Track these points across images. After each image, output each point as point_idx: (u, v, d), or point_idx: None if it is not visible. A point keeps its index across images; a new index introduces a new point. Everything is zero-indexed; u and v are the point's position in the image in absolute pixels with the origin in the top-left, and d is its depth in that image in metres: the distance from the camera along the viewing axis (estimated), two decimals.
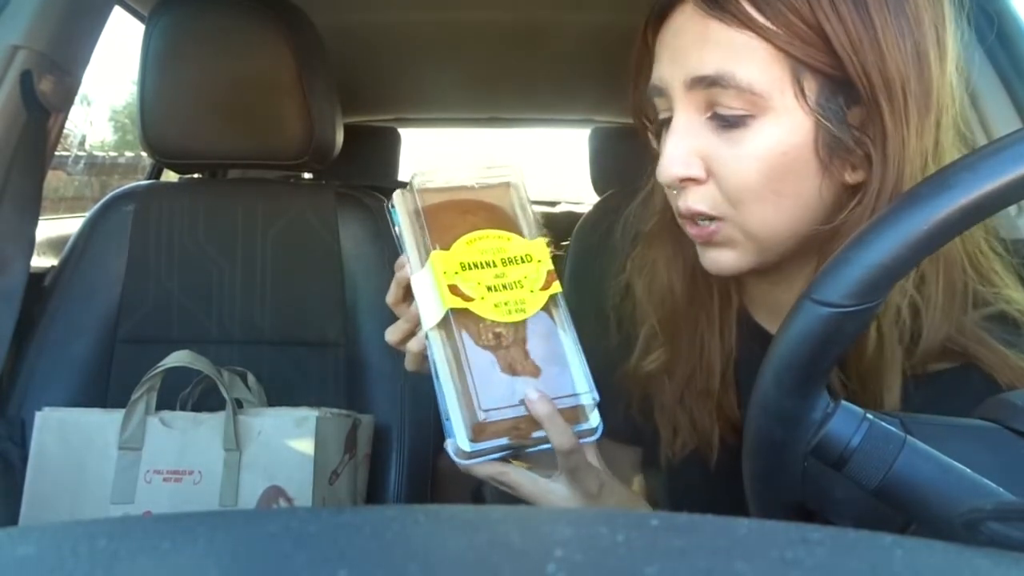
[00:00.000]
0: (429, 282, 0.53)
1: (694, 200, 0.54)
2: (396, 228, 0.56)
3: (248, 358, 1.09)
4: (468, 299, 0.51)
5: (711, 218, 0.55)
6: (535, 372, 0.52)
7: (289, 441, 0.94)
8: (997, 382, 0.51)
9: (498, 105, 2.25)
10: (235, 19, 1.11)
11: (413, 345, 0.56)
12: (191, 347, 1.00)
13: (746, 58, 0.50)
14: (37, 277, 1.11)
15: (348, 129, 1.30)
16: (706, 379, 0.63)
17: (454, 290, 0.51)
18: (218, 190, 1.28)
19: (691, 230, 0.57)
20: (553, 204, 2.79)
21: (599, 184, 2.25)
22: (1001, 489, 0.35)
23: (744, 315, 0.65)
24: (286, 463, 0.94)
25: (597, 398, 0.54)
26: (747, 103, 0.51)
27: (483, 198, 0.57)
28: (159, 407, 0.97)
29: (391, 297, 0.58)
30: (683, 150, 0.53)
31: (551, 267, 0.55)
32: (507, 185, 0.57)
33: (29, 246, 1.03)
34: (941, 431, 0.40)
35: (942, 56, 0.51)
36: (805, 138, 0.51)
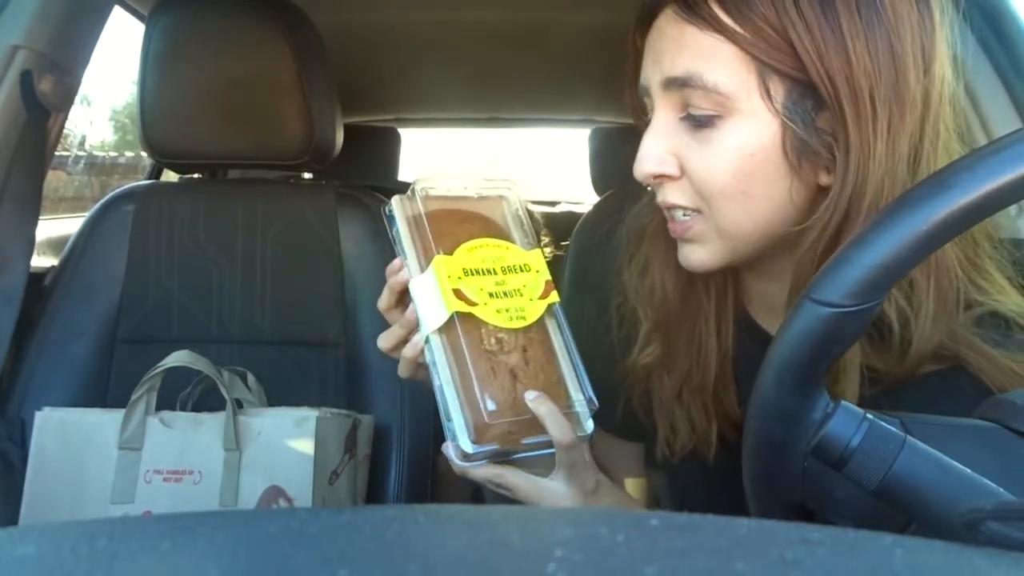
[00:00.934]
0: (432, 285, 0.53)
1: (670, 194, 0.57)
2: (394, 231, 0.56)
3: (248, 358, 1.09)
4: (472, 304, 0.52)
5: (689, 212, 0.57)
6: (535, 378, 0.53)
7: (289, 441, 0.94)
8: (985, 383, 0.51)
9: (498, 105, 2.25)
10: (235, 19, 1.11)
11: (408, 351, 0.56)
12: (191, 347, 1.00)
13: (714, 60, 0.52)
14: (37, 277, 1.11)
15: (348, 129, 1.30)
16: (702, 375, 0.63)
17: (458, 294, 0.52)
18: (218, 190, 1.28)
19: (670, 225, 0.59)
20: (553, 204, 2.79)
21: (599, 184, 2.25)
22: (1001, 489, 0.35)
23: (741, 312, 0.65)
24: (286, 463, 0.94)
25: (596, 404, 0.55)
26: (715, 104, 0.52)
27: (479, 210, 0.58)
28: (159, 407, 0.97)
29: (384, 303, 0.58)
30: (658, 148, 0.56)
31: (548, 277, 0.56)
32: (501, 199, 0.59)
33: (29, 246, 1.03)
34: (941, 431, 0.40)
35: (927, 62, 0.51)
36: (772, 140, 0.52)
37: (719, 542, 0.25)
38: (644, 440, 0.71)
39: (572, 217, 1.79)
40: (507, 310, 0.53)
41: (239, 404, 0.99)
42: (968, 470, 0.36)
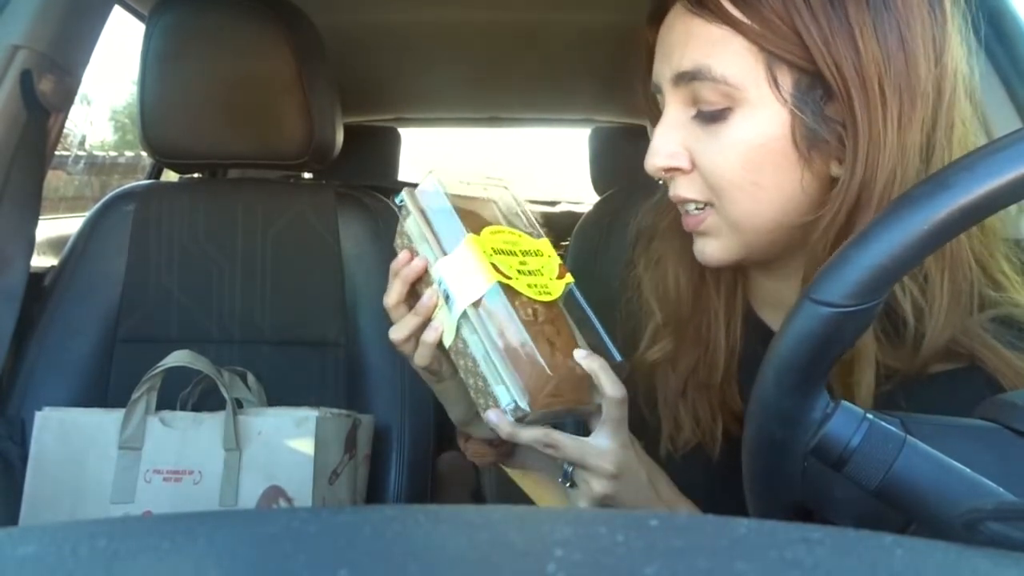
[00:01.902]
0: (468, 261, 0.54)
1: (682, 188, 0.57)
2: (408, 220, 0.57)
3: (248, 358, 1.09)
4: (508, 277, 0.54)
5: (700, 205, 0.57)
6: (570, 343, 0.56)
7: (289, 441, 0.94)
8: (1001, 384, 0.51)
9: (498, 105, 2.25)
10: (235, 19, 1.11)
11: (428, 335, 0.56)
12: (191, 347, 1.00)
13: (723, 52, 0.52)
14: (37, 277, 1.11)
15: (348, 129, 1.30)
16: (708, 372, 0.64)
17: (496, 268, 0.54)
18: (218, 190, 1.28)
19: (684, 219, 0.59)
20: (553, 204, 2.79)
21: (599, 184, 2.25)
22: (1001, 489, 0.35)
23: (748, 311, 0.66)
24: (286, 463, 0.94)
25: (626, 367, 0.58)
26: (724, 96, 0.53)
27: (482, 204, 0.60)
28: (159, 407, 0.97)
29: (394, 297, 0.58)
30: (668, 142, 0.56)
31: (560, 261, 0.59)
32: (492, 201, 0.61)
33: (29, 246, 1.03)
34: (941, 431, 0.40)
35: (938, 52, 0.52)
36: (782, 130, 0.52)
37: (719, 542, 0.25)
38: (645, 436, 0.71)
39: (572, 217, 1.78)
40: (535, 285, 0.56)
41: (239, 404, 0.99)
42: (968, 470, 0.36)
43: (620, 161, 2.08)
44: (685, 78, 0.54)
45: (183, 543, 0.24)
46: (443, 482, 1.16)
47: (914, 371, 0.53)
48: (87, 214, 1.19)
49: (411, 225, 0.57)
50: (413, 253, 0.57)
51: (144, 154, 1.38)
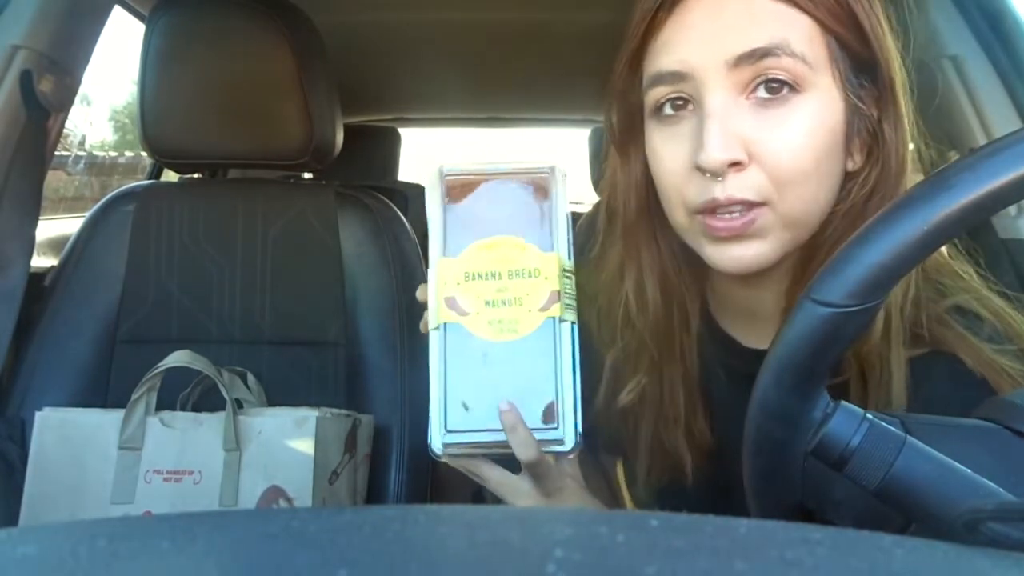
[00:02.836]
0: (431, 289, 0.53)
1: (736, 188, 0.51)
2: (428, 213, 0.55)
3: (248, 358, 1.09)
4: (463, 314, 0.52)
5: (749, 206, 0.52)
6: (517, 391, 0.52)
7: (289, 441, 0.94)
8: (964, 363, 0.51)
9: (498, 105, 2.25)
10: (235, 19, 1.11)
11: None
12: (191, 347, 1.00)
13: (795, 29, 0.51)
14: (37, 277, 1.11)
15: (348, 129, 1.30)
16: (673, 408, 0.62)
17: (451, 303, 0.52)
18: (218, 190, 1.28)
19: (717, 223, 0.52)
20: None
21: (599, 184, 2.25)
22: (1001, 489, 0.35)
23: (711, 324, 0.64)
24: (286, 463, 0.94)
25: (578, 427, 0.52)
26: (797, 76, 0.50)
27: (519, 185, 0.54)
28: (159, 407, 0.97)
29: None
30: (727, 132, 0.50)
31: (557, 287, 0.52)
32: (545, 176, 0.54)
33: (29, 246, 1.03)
34: (941, 431, 0.40)
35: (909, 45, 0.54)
36: (838, 116, 0.52)
37: (719, 542, 0.25)
38: (620, 454, 0.71)
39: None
40: (500, 321, 0.52)
41: (239, 404, 0.99)
42: (968, 470, 0.36)
43: None
44: (755, 56, 0.50)
45: (183, 543, 0.24)
46: (443, 482, 1.16)
47: (882, 354, 0.53)
48: (87, 214, 1.19)
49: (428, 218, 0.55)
50: None
51: (144, 154, 1.38)
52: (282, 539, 0.24)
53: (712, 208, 0.52)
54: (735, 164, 0.51)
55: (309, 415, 0.95)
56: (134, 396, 0.95)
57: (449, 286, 0.52)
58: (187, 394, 1.02)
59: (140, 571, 0.22)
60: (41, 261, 1.19)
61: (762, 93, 0.51)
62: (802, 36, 0.51)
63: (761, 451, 0.41)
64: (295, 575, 0.21)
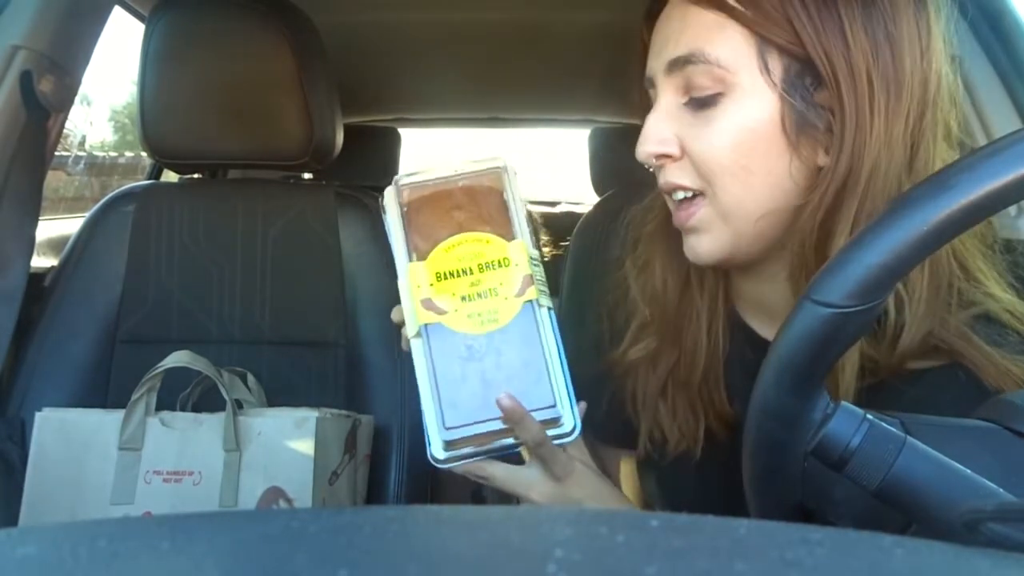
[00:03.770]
0: (405, 295, 0.54)
1: (672, 175, 0.58)
2: (387, 226, 0.56)
3: (248, 358, 1.09)
4: (441, 312, 0.52)
5: (690, 195, 0.57)
6: (508, 380, 0.52)
7: (289, 442, 0.94)
8: (982, 381, 0.52)
9: (498, 105, 2.25)
10: (235, 19, 1.11)
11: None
12: (191, 347, 1.00)
13: (717, 36, 0.54)
14: (37, 277, 1.11)
15: (348, 129, 1.30)
16: (689, 372, 0.64)
17: (427, 304, 0.52)
18: (218, 190, 1.28)
19: (675, 215, 0.60)
20: (553, 204, 2.79)
21: (599, 184, 2.25)
22: (1001, 489, 0.35)
23: (734, 316, 0.66)
24: (286, 464, 0.94)
25: (575, 410, 0.53)
26: (716, 80, 0.54)
27: (473, 184, 0.56)
28: (159, 407, 0.97)
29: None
30: (660, 129, 0.57)
31: (528, 271, 0.54)
32: (497, 171, 0.57)
33: (29, 246, 1.03)
34: (941, 431, 0.40)
35: (924, 49, 0.53)
36: (771, 115, 0.54)
37: (719, 542, 0.25)
38: (633, 445, 0.71)
39: (572, 217, 1.78)
40: (479, 314, 0.53)
41: (239, 404, 0.98)
42: (968, 470, 0.36)
43: (620, 161, 2.07)
44: (679, 63, 0.55)
45: (183, 543, 0.24)
46: (443, 482, 1.16)
47: (894, 364, 0.54)
48: (87, 214, 1.19)
49: (388, 230, 0.56)
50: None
51: (144, 154, 1.38)
52: (282, 539, 0.24)
53: (667, 193, 0.59)
54: (666, 156, 0.57)
55: (309, 415, 0.95)
56: (134, 396, 0.95)
57: (423, 288, 0.53)
58: (187, 394, 1.02)
59: (140, 571, 0.22)
60: (41, 261, 1.19)
61: (695, 94, 0.55)
62: (725, 41, 0.54)
63: (761, 451, 0.41)
64: (295, 575, 0.21)
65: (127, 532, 0.26)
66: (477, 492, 1.25)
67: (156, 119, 1.13)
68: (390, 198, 0.56)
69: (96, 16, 1.11)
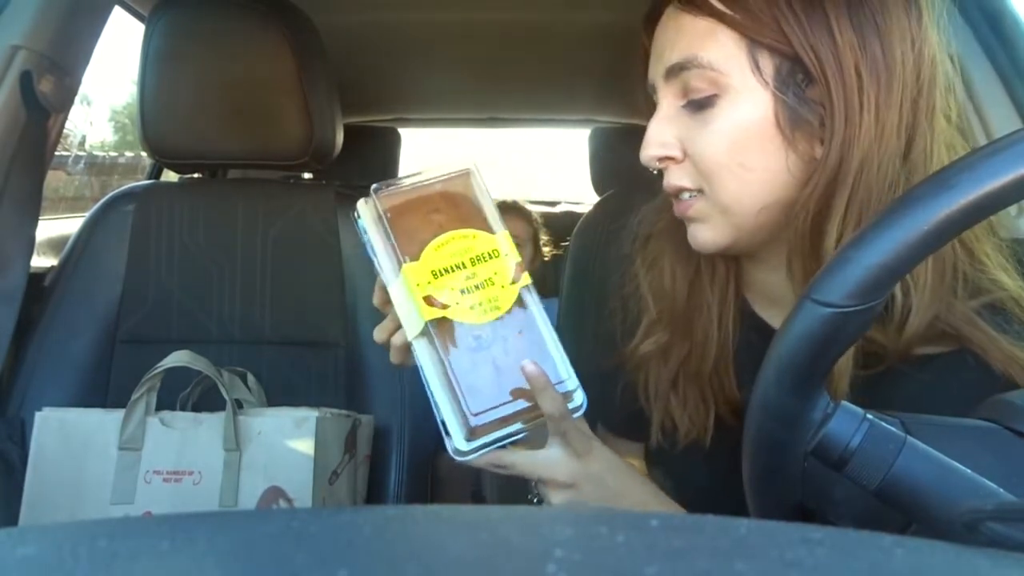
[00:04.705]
0: (404, 296, 0.54)
1: (675, 176, 0.60)
2: (364, 236, 0.57)
3: (248, 358, 1.09)
4: (444, 307, 0.54)
5: (692, 192, 0.60)
6: (521, 354, 0.55)
7: (289, 441, 0.94)
8: (990, 366, 0.53)
9: (498, 105, 2.25)
10: (235, 19, 1.11)
11: (397, 339, 0.58)
12: (191, 347, 1.00)
13: (709, 42, 0.56)
14: (37, 277, 1.11)
15: (348, 129, 1.30)
16: (699, 362, 0.65)
17: (429, 301, 0.53)
18: (218, 190, 1.27)
19: (676, 207, 0.62)
20: (553, 204, 2.79)
21: (599, 184, 2.25)
22: (1001, 489, 0.35)
23: (744, 305, 0.67)
24: (286, 463, 0.94)
25: (576, 382, 0.56)
26: (711, 83, 0.56)
27: (443, 194, 0.58)
28: (159, 407, 0.97)
29: (376, 299, 0.59)
30: (662, 133, 0.59)
31: (519, 258, 0.57)
32: (467, 174, 0.59)
33: (29, 246, 1.03)
34: (941, 431, 0.40)
35: (914, 41, 0.54)
36: (765, 113, 0.55)
37: (719, 542, 0.25)
38: (642, 437, 0.72)
39: (572, 217, 1.78)
40: (480, 304, 0.55)
41: (239, 404, 0.99)
42: (968, 470, 0.36)
43: (620, 161, 2.07)
44: (675, 70, 0.57)
45: (183, 543, 0.24)
46: (443, 482, 1.16)
47: (901, 348, 0.55)
48: (87, 214, 1.19)
49: (367, 241, 0.57)
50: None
51: (144, 154, 1.38)
52: (282, 539, 0.24)
53: (672, 195, 0.62)
54: (668, 159, 0.60)
55: (309, 415, 0.95)
56: (134, 396, 0.95)
57: (422, 287, 0.54)
58: (187, 394, 1.02)
59: (140, 571, 0.22)
60: (41, 261, 1.19)
61: (692, 97, 0.57)
62: (717, 46, 0.56)
63: (761, 451, 0.41)
64: (295, 575, 0.21)
65: (127, 532, 0.26)
66: (477, 492, 1.25)
67: (156, 119, 1.13)
68: (367, 208, 0.57)
69: (96, 16, 1.11)
